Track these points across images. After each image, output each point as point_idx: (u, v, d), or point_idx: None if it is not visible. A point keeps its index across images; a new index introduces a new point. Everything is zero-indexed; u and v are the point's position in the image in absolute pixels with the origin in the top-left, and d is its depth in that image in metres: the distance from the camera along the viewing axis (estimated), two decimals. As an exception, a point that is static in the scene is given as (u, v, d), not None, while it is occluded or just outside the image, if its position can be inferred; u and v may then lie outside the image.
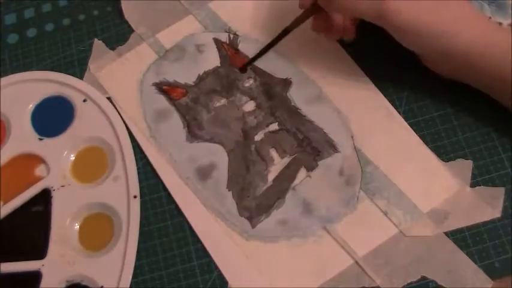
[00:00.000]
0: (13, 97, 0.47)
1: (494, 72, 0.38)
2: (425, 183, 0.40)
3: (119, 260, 0.41)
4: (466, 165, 0.41)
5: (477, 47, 0.37)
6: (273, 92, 0.45)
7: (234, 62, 0.46)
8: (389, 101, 0.43)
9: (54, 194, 0.43)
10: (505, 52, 0.37)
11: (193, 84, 0.46)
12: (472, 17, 0.38)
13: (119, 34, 0.49)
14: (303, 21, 0.43)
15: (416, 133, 0.42)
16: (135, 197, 0.42)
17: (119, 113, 0.45)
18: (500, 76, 0.37)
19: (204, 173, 0.43)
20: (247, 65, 0.46)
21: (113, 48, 0.48)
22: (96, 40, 0.49)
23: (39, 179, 0.44)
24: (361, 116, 0.43)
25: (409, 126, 0.42)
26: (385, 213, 0.40)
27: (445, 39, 0.38)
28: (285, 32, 0.44)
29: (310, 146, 0.43)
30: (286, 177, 0.42)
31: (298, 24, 0.43)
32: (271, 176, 0.42)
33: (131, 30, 0.49)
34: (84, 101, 0.46)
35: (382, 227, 0.40)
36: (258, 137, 0.43)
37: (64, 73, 0.47)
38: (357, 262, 0.39)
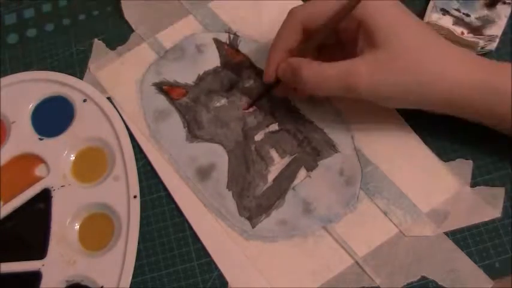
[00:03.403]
0: (13, 97, 0.47)
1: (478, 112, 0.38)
2: (425, 183, 0.40)
3: (119, 260, 0.41)
4: (466, 165, 0.41)
5: (456, 92, 0.37)
6: (273, 92, 0.45)
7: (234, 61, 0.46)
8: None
9: (54, 194, 0.43)
10: (484, 93, 0.36)
11: (193, 84, 0.46)
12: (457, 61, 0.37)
13: (119, 34, 0.49)
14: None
15: (416, 133, 0.42)
16: (135, 197, 0.42)
17: (119, 113, 0.45)
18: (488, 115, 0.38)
19: (204, 173, 0.43)
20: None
21: (113, 48, 0.48)
22: (96, 40, 0.49)
23: (39, 179, 0.44)
24: (361, 116, 0.43)
25: (409, 126, 0.42)
26: (385, 213, 0.40)
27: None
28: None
29: (310, 146, 0.43)
30: (286, 177, 0.42)
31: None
32: (271, 176, 0.42)
33: (131, 30, 0.49)
34: (84, 101, 0.46)
35: (382, 227, 0.40)
36: (258, 137, 0.43)
37: (64, 73, 0.47)
38: (357, 262, 0.39)
